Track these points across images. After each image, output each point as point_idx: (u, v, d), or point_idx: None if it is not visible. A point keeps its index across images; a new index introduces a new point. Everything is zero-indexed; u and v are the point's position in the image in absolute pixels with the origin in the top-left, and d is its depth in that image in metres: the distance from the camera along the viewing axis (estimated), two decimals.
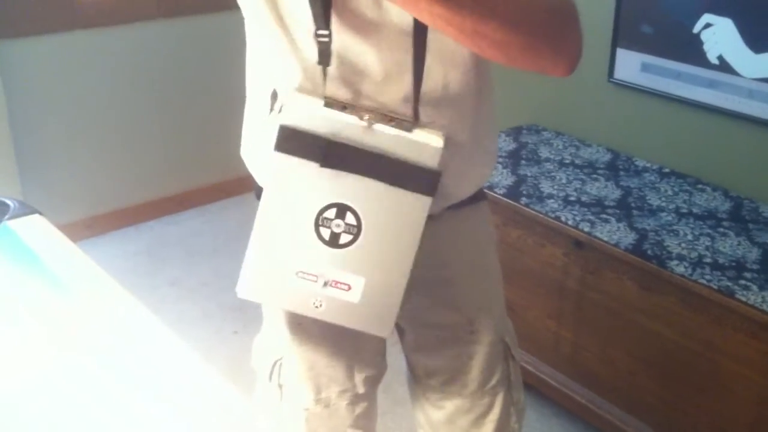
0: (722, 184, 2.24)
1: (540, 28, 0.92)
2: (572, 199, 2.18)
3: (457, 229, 1.23)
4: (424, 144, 1.00)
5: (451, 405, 1.31)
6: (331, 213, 1.00)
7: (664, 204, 2.15)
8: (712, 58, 2.18)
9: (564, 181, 2.28)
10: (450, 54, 1.05)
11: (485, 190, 1.31)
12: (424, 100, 1.03)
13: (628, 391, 2.03)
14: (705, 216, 2.08)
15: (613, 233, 2.00)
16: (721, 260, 1.87)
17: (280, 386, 1.26)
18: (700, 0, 2.18)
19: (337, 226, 1.00)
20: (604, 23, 2.41)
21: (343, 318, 1.04)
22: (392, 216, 1.01)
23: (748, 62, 2.12)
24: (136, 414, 0.97)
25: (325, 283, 1.02)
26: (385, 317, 1.05)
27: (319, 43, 0.97)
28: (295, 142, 0.98)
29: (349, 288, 1.02)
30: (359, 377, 1.28)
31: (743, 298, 1.74)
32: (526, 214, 2.15)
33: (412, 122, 1.01)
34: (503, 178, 2.29)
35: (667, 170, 2.34)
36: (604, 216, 2.09)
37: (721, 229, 2.01)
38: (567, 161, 2.42)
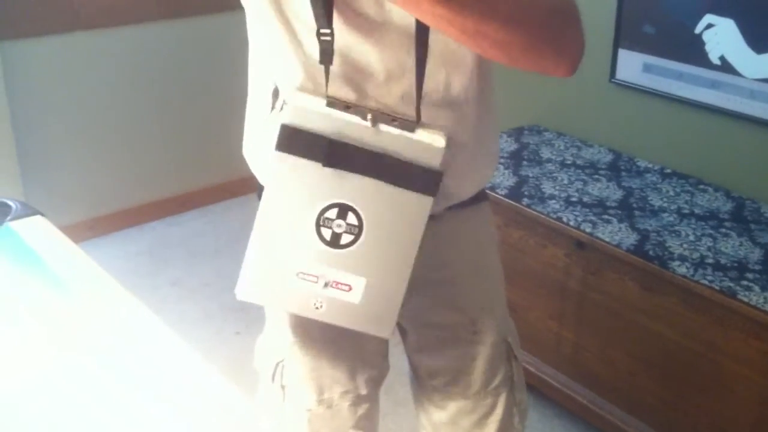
0: (724, 185, 2.24)
1: (541, 28, 0.92)
2: (574, 199, 2.18)
3: (458, 230, 1.23)
4: (427, 144, 0.99)
5: (453, 406, 1.31)
6: (332, 213, 1.00)
7: (665, 205, 2.15)
8: (714, 58, 2.18)
9: (565, 181, 2.28)
10: (451, 55, 1.05)
11: (487, 191, 1.31)
12: (426, 101, 1.03)
13: (629, 391, 2.03)
14: (707, 217, 2.08)
15: (615, 234, 2.00)
16: (722, 261, 1.87)
17: (283, 387, 1.26)
18: (702, 0, 2.18)
19: (338, 227, 1.00)
20: (605, 23, 2.41)
21: (343, 319, 1.04)
22: (394, 216, 1.01)
23: (750, 63, 2.11)
24: (136, 414, 0.97)
25: (326, 284, 1.01)
26: (385, 318, 1.05)
27: (322, 42, 0.97)
28: (296, 141, 0.97)
29: (350, 289, 1.02)
30: (361, 378, 1.28)
31: (745, 299, 1.74)
32: (528, 214, 2.15)
33: (415, 122, 1.01)
34: (505, 178, 2.29)
35: (668, 171, 2.34)
36: (605, 217, 2.08)
37: (723, 230, 2.01)
38: (568, 162, 2.42)
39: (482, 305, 1.28)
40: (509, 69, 0.99)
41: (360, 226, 1.00)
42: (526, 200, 2.17)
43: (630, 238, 1.97)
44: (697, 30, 2.20)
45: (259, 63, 1.15)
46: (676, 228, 2.02)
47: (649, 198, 2.18)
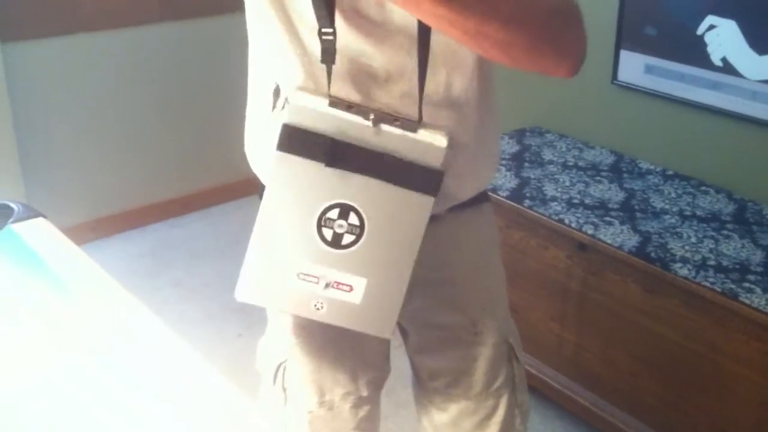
0: (726, 187, 2.24)
1: (542, 28, 0.92)
2: (576, 201, 2.18)
3: (459, 231, 1.23)
4: (429, 144, 0.99)
5: (455, 407, 1.31)
6: (333, 213, 0.99)
7: (667, 206, 2.15)
8: (716, 60, 2.18)
9: (567, 183, 2.28)
10: (452, 56, 1.05)
11: (488, 193, 1.31)
12: (426, 102, 1.03)
13: (630, 393, 2.03)
14: (709, 218, 2.08)
15: (617, 235, 2.00)
16: (724, 263, 1.86)
17: (284, 389, 1.26)
18: (704, 2, 2.18)
19: (339, 227, 1.00)
20: (607, 25, 2.41)
21: (344, 319, 1.04)
22: (395, 216, 1.00)
23: (752, 64, 2.11)
24: (137, 415, 0.97)
25: (327, 285, 1.01)
26: (386, 318, 1.04)
27: (323, 42, 0.97)
28: (298, 141, 0.97)
29: (351, 289, 1.02)
30: (363, 380, 1.28)
31: (747, 301, 1.73)
32: (530, 216, 2.15)
33: (417, 122, 1.00)
34: (507, 180, 2.29)
35: (670, 172, 2.34)
36: (607, 218, 2.08)
37: (725, 232, 2.01)
38: (570, 163, 2.41)
39: (483, 306, 1.28)
40: (511, 70, 0.99)
41: (361, 227, 1.00)
42: (527, 202, 2.17)
43: (632, 240, 1.97)
44: (699, 31, 2.20)
45: (259, 62, 1.15)
46: (678, 230, 2.02)
47: (650, 200, 2.18)
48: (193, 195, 3.52)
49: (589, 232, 2.03)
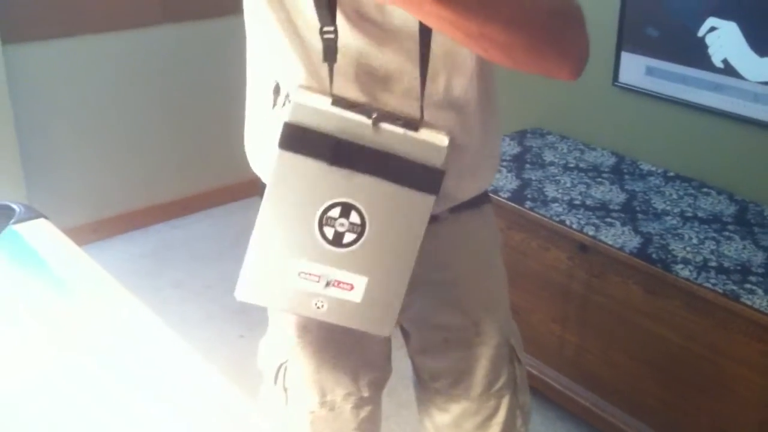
0: (727, 188, 2.24)
1: (544, 30, 0.92)
2: (577, 202, 2.18)
3: (460, 232, 1.23)
4: (430, 143, 0.99)
5: (456, 408, 1.31)
6: (335, 212, 0.99)
7: (668, 208, 2.15)
8: (717, 61, 2.18)
9: (568, 184, 2.28)
10: (452, 57, 1.06)
11: (490, 194, 1.31)
12: (427, 103, 1.03)
13: (632, 394, 2.03)
14: (710, 220, 2.08)
15: (618, 237, 2.00)
16: (726, 264, 1.86)
17: (285, 389, 1.26)
18: (705, 3, 2.18)
19: (341, 225, 1.00)
20: (608, 26, 2.41)
21: (344, 318, 1.04)
22: (396, 214, 1.00)
23: (753, 66, 2.11)
24: (138, 415, 0.97)
25: (328, 284, 1.01)
26: (386, 316, 1.04)
27: (325, 40, 0.97)
28: (300, 139, 0.97)
29: (352, 288, 1.01)
30: (364, 380, 1.28)
31: (748, 302, 1.73)
32: (531, 217, 2.15)
33: (418, 121, 1.01)
34: (508, 181, 2.29)
35: (671, 174, 2.34)
36: (608, 220, 2.08)
37: (726, 233, 2.01)
38: (571, 165, 2.42)
39: (485, 307, 1.28)
40: (512, 72, 0.99)
41: (362, 225, 1.00)
42: (529, 203, 2.17)
43: (633, 241, 1.97)
44: (700, 33, 2.20)
45: (258, 61, 1.15)
46: (680, 231, 2.02)
47: (652, 201, 2.18)
48: (194, 196, 3.52)
49: (591, 233, 2.03)
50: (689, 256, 1.90)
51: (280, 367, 1.26)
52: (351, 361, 1.25)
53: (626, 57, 2.41)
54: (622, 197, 2.21)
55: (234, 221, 3.44)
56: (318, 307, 1.02)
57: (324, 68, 0.99)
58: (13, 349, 1.12)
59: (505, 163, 2.41)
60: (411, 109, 1.03)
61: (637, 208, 2.14)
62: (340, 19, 0.99)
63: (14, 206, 1.47)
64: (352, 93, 1.03)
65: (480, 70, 1.10)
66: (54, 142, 3.09)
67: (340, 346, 1.24)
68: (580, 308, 2.10)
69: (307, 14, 1.00)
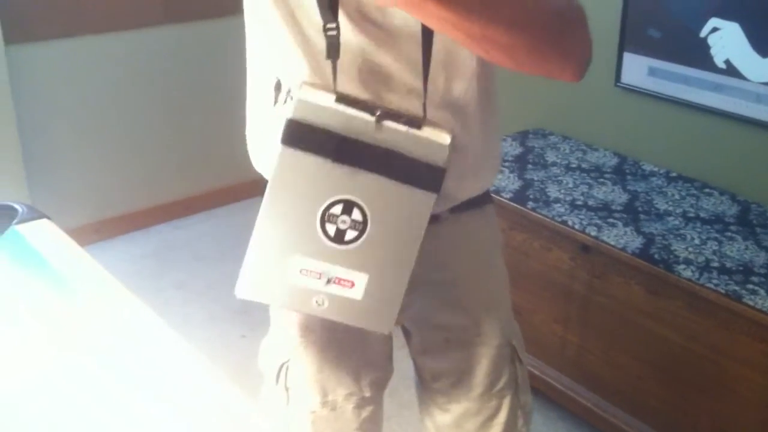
0: (729, 188, 2.24)
1: (547, 31, 0.92)
2: (579, 203, 2.18)
3: (462, 232, 1.23)
4: (433, 141, 0.99)
5: (458, 408, 1.31)
6: (337, 209, 0.99)
7: (671, 208, 2.14)
8: (719, 62, 2.18)
9: (571, 185, 2.28)
10: (451, 59, 1.06)
11: (491, 194, 1.31)
12: (427, 103, 1.03)
13: (633, 394, 2.03)
14: (712, 220, 2.07)
15: (620, 237, 2.00)
16: (728, 264, 1.86)
17: (287, 389, 1.26)
18: (707, 4, 2.18)
19: (342, 223, 1.00)
20: (610, 27, 2.41)
21: (344, 315, 1.03)
22: (397, 212, 1.00)
23: (755, 66, 2.11)
24: (139, 416, 0.98)
25: (329, 281, 1.01)
26: (387, 314, 1.04)
27: (328, 37, 0.97)
28: (303, 136, 0.97)
29: (353, 285, 1.01)
30: (366, 380, 1.28)
31: (750, 303, 1.73)
32: (533, 218, 2.15)
33: (421, 119, 1.01)
34: (510, 182, 2.29)
35: (674, 174, 2.34)
36: (610, 220, 2.08)
37: (729, 234, 2.01)
38: (574, 165, 2.41)
39: (486, 307, 1.28)
40: (514, 72, 0.99)
41: (364, 223, 1.00)
42: (531, 203, 2.17)
43: (635, 242, 1.97)
44: (703, 34, 2.20)
45: (258, 59, 1.15)
46: (682, 231, 2.02)
47: (654, 201, 2.18)
48: (196, 197, 3.52)
49: (593, 233, 2.03)
50: (691, 256, 1.90)
51: (281, 366, 1.26)
52: (353, 361, 1.25)
53: (628, 57, 2.41)
54: (624, 198, 2.21)
55: (236, 222, 3.44)
56: (318, 305, 1.02)
57: (327, 65, 0.99)
58: (14, 350, 1.12)
59: (507, 164, 2.41)
60: (413, 108, 1.03)
61: (640, 209, 2.14)
62: (342, 18, 1.00)
63: (16, 206, 1.48)
64: (356, 90, 1.03)
65: (480, 71, 1.10)
66: (56, 142, 3.09)
67: (341, 346, 1.24)
68: (582, 309, 2.10)
69: (310, 11, 1.00)
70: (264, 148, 1.16)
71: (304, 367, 1.25)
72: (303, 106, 0.97)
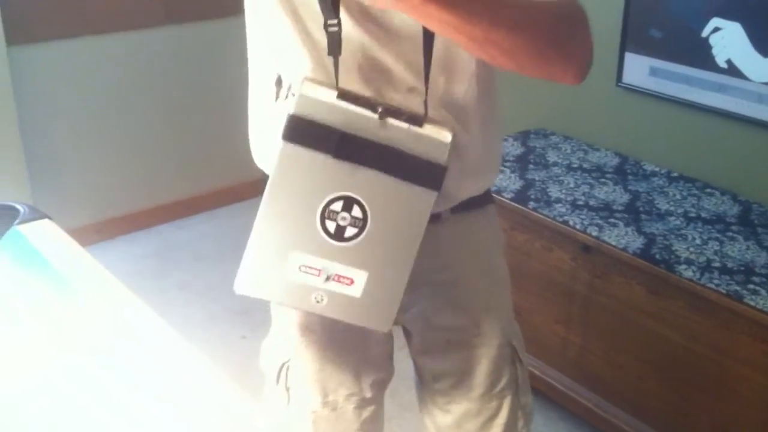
0: (731, 189, 2.23)
1: (549, 34, 0.92)
2: (580, 203, 2.17)
3: (462, 232, 1.23)
4: (434, 138, 0.99)
5: (458, 409, 1.31)
6: (337, 205, 0.99)
7: (672, 208, 2.14)
8: (721, 62, 2.18)
9: (572, 185, 2.28)
10: (451, 60, 1.06)
11: (493, 194, 1.31)
12: (428, 102, 1.04)
13: (635, 395, 2.02)
14: (713, 220, 2.07)
15: (621, 237, 2.00)
16: (729, 264, 1.86)
17: (288, 389, 1.26)
18: (709, 4, 2.18)
19: (343, 219, 0.99)
20: (612, 27, 2.41)
21: (344, 313, 1.03)
22: (398, 210, 1.00)
23: (757, 66, 2.11)
24: (140, 416, 0.98)
25: (328, 278, 1.00)
26: (386, 312, 1.04)
27: (329, 34, 0.97)
28: (305, 132, 0.97)
29: (352, 282, 1.01)
30: (367, 381, 1.28)
31: (752, 303, 1.73)
32: (534, 218, 2.15)
33: (422, 117, 1.01)
34: (511, 182, 2.29)
35: (675, 174, 2.34)
36: (612, 220, 2.08)
37: (730, 234, 2.01)
38: (575, 165, 2.41)
39: (487, 307, 1.28)
40: (516, 73, 0.99)
41: (364, 219, 0.99)
42: (532, 203, 2.17)
43: (636, 242, 1.97)
44: (704, 33, 2.20)
45: (259, 55, 1.15)
46: (683, 232, 2.02)
47: (655, 201, 2.18)
48: (198, 197, 3.52)
49: (594, 233, 2.03)
50: (693, 256, 1.90)
51: (282, 366, 1.26)
52: (353, 362, 1.25)
53: (630, 58, 2.41)
54: (625, 198, 2.21)
55: (237, 222, 3.44)
56: (317, 302, 1.02)
57: (330, 62, 0.99)
58: (15, 350, 1.12)
59: (508, 164, 2.41)
60: (414, 106, 1.03)
61: (641, 209, 2.14)
62: (344, 15, 1.00)
63: (18, 207, 1.48)
64: (357, 87, 1.04)
65: (480, 72, 1.10)
66: (58, 142, 3.09)
67: (342, 346, 1.24)
68: (583, 309, 2.10)
69: (313, 8, 1.01)
70: (265, 144, 1.16)
71: (305, 367, 1.25)
72: (304, 101, 0.97)
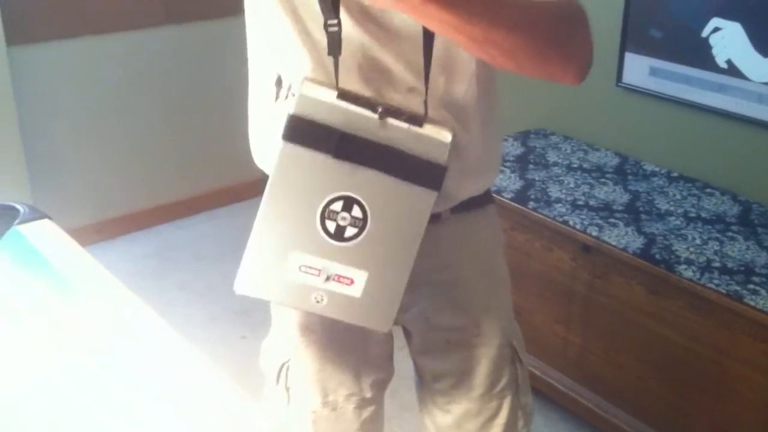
0: (731, 189, 2.23)
1: (549, 34, 0.92)
2: (580, 203, 2.17)
3: (463, 232, 1.23)
4: (434, 138, 0.99)
5: (458, 409, 1.31)
6: (337, 205, 0.99)
7: (672, 208, 2.14)
8: (721, 62, 2.18)
9: (572, 185, 2.28)
10: (451, 61, 1.06)
11: (493, 194, 1.31)
12: (428, 102, 1.04)
13: (635, 395, 2.02)
14: (713, 220, 2.07)
15: (621, 237, 2.00)
16: (729, 264, 1.86)
17: (288, 389, 1.26)
18: (709, 4, 2.18)
19: (342, 219, 0.99)
20: (612, 27, 2.41)
21: (344, 313, 1.03)
22: (398, 210, 1.00)
23: (757, 66, 2.11)
24: (140, 416, 0.98)
25: (328, 278, 1.00)
26: (385, 312, 1.04)
27: (329, 34, 0.97)
28: (305, 132, 0.97)
29: (352, 282, 1.01)
30: (367, 381, 1.28)
31: (752, 303, 1.73)
32: (534, 218, 2.15)
33: (422, 117, 1.01)
34: (511, 182, 2.29)
35: (675, 174, 2.34)
36: (612, 220, 2.08)
37: (730, 234, 2.01)
38: (575, 165, 2.41)
39: (487, 307, 1.28)
40: (516, 73, 0.99)
41: (364, 219, 0.99)
42: (532, 203, 2.17)
43: (636, 242, 1.97)
44: (704, 33, 2.20)
45: (259, 55, 1.15)
46: (683, 232, 2.02)
47: (655, 202, 2.18)
48: (198, 197, 3.52)
49: (594, 233, 2.03)
50: (693, 256, 1.90)
51: (282, 366, 1.26)
52: (353, 362, 1.25)
53: (630, 58, 2.41)
54: (625, 198, 2.21)
55: (238, 222, 3.44)
56: (317, 302, 1.02)
57: (330, 62, 0.99)
58: (15, 350, 1.12)
59: (508, 164, 2.41)
60: (414, 106, 1.03)
61: (641, 209, 2.14)
62: (344, 15, 1.00)
63: (18, 207, 1.48)
64: (357, 87, 1.04)
65: (480, 72, 1.10)
66: (58, 142, 3.09)
67: (342, 346, 1.24)
68: (583, 309, 2.10)
69: (313, 8, 1.01)
70: (265, 144, 1.16)
71: (305, 367, 1.25)
72: (304, 101, 0.97)
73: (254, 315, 2.57)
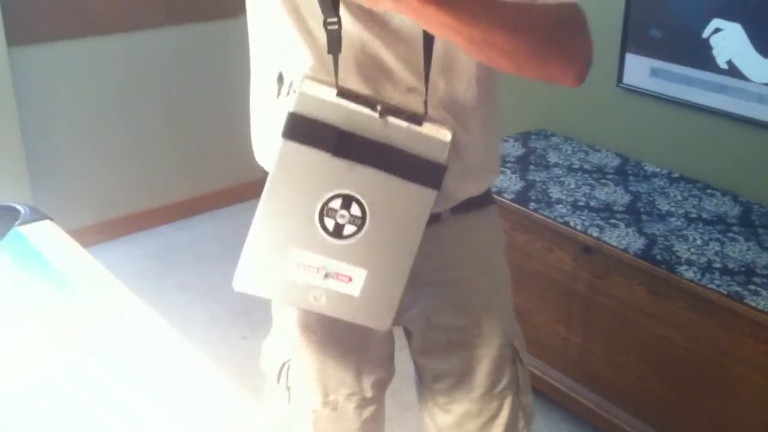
0: (732, 189, 2.23)
1: (549, 36, 0.92)
2: (581, 204, 2.17)
3: (463, 233, 1.23)
4: (433, 137, 0.99)
5: (459, 409, 1.31)
6: (336, 203, 0.99)
7: (673, 209, 2.14)
8: (722, 62, 2.18)
9: (573, 186, 2.28)
10: (451, 61, 1.06)
11: (494, 195, 1.31)
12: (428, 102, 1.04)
13: (636, 395, 2.02)
14: (714, 221, 2.07)
15: (622, 238, 2.00)
16: (730, 265, 1.86)
17: (288, 388, 1.26)
18: (710, 5, 2.18)
19: (341, 217, 0.99)
20: (613, 28, 2.41)
21: (342, 311, 1.03)
22: (397, 208, 1.00)
23: (758, 67, 2.11)
24: (141, 416, 0.98)
25: (326, 276, 1.00)
26: (384, 310, 1.04)
27: (329, 32, 0.98)
28: (304, 129, 0.97)
29: (350, 280, 1.01)
30: (367, 381, 1.28)
31: (753, 303, 1.73)
32: (535, 219, 2.15)
33: (422, 116, 1.01)
34: (512, 183, 2.29)
35: (676, 175, 2.34)
36: (612, 221, 2.08)
37: (731, 234, 2.01)
38: (576, 166, 2.41)
39: (487, 308, 1.28)
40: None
41: (363, 218, 0.99)
42: (533, 204, 2.17)
43: (637, 243, 1.97)
44: (705, 34, 2.20)
45: (261, 52, 1.15)
46: (684, 232, 2.02)
47: (656, 202, 2.18)
48: (199, 198, 3.52)
49: (595, 234, 2.03)
50: (693, 257, 1.90)
51: (282, 366, 1.26)
52: (354, 361, 1.25)
53: (630, 58, 2.41)
54: (626, 198, 2.21)
55: (238, 222, 3.42)
56: (316, 300, 1.02)
57: (331, 60, 0.99)
58: (16, 350, 1.13)
59: (509, 165, 2.41)
60: (414, 105, 1.03)
61: (642, 210, 2.14)
62: (344, 14, 1.00)
63: (19, 208, 1.48)
64: (357, 85, 1.04)
65: (480, 72, 1.10)
66: (59, 143, 3.10)
67: (342, 345, 1.24)
68: (584, 309, 2.10)
69: (314, 6, 1.01)
70: (267, 141, 1.16)
71: (305, 366, 1.25)
72: (304, 99, 0.97)
73: (255, 315, 2.57)
